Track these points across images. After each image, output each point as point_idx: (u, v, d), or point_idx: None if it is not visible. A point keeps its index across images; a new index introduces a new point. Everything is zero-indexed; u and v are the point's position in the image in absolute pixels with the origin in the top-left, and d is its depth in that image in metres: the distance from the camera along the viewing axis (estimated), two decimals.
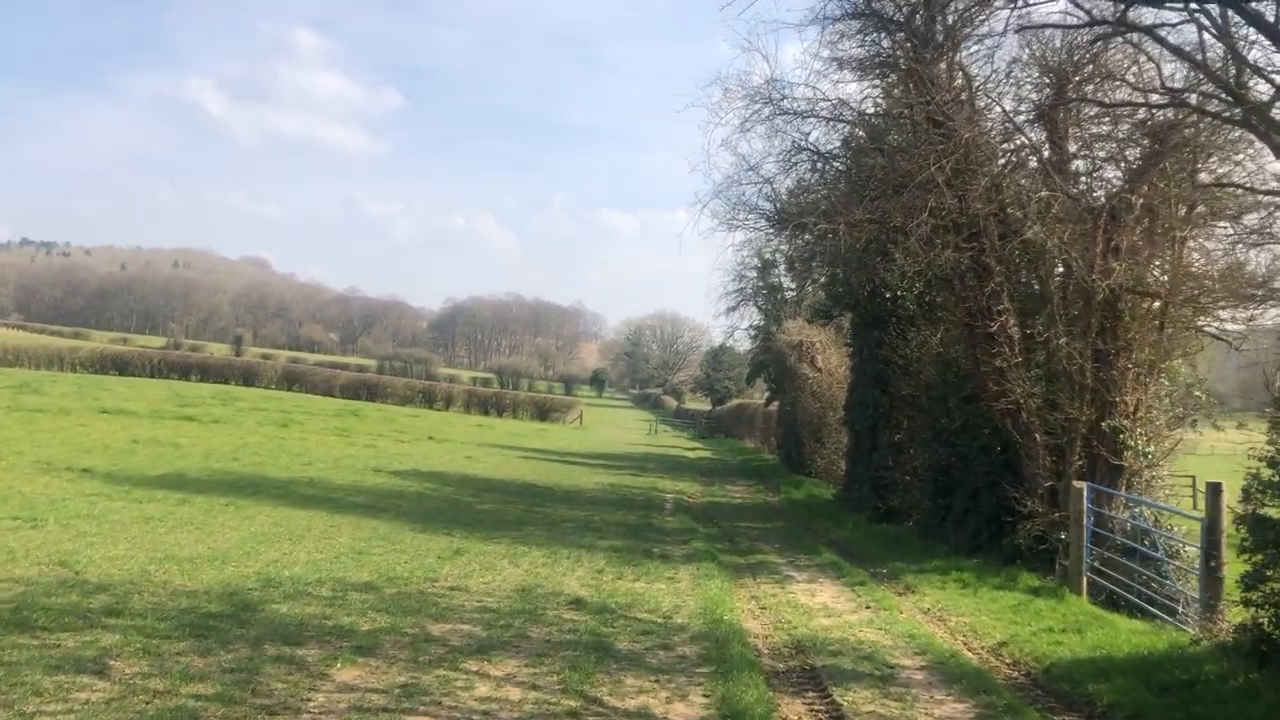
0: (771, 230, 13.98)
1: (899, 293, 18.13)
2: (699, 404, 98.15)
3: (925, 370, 16.88)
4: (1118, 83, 13.02)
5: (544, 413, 58.10)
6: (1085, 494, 11.58)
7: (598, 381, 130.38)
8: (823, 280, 19.60)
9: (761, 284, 33.77)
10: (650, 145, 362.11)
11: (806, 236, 16.05)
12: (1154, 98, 11.72)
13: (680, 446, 45.59)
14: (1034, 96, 13.80)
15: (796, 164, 13.31)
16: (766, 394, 44.47)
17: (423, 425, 37.06)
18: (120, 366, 55.24)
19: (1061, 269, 12.60)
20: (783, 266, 33.37)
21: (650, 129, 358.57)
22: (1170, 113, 12.04)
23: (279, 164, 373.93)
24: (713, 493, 23.67)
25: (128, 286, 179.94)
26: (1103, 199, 12.58)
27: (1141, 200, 12.00)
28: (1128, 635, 8.28)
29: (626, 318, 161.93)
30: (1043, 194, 11.92)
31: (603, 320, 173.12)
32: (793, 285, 32.88)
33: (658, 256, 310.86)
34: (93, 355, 56.38)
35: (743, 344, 36.76)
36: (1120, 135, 13.51)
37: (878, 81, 14.50)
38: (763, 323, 34.22)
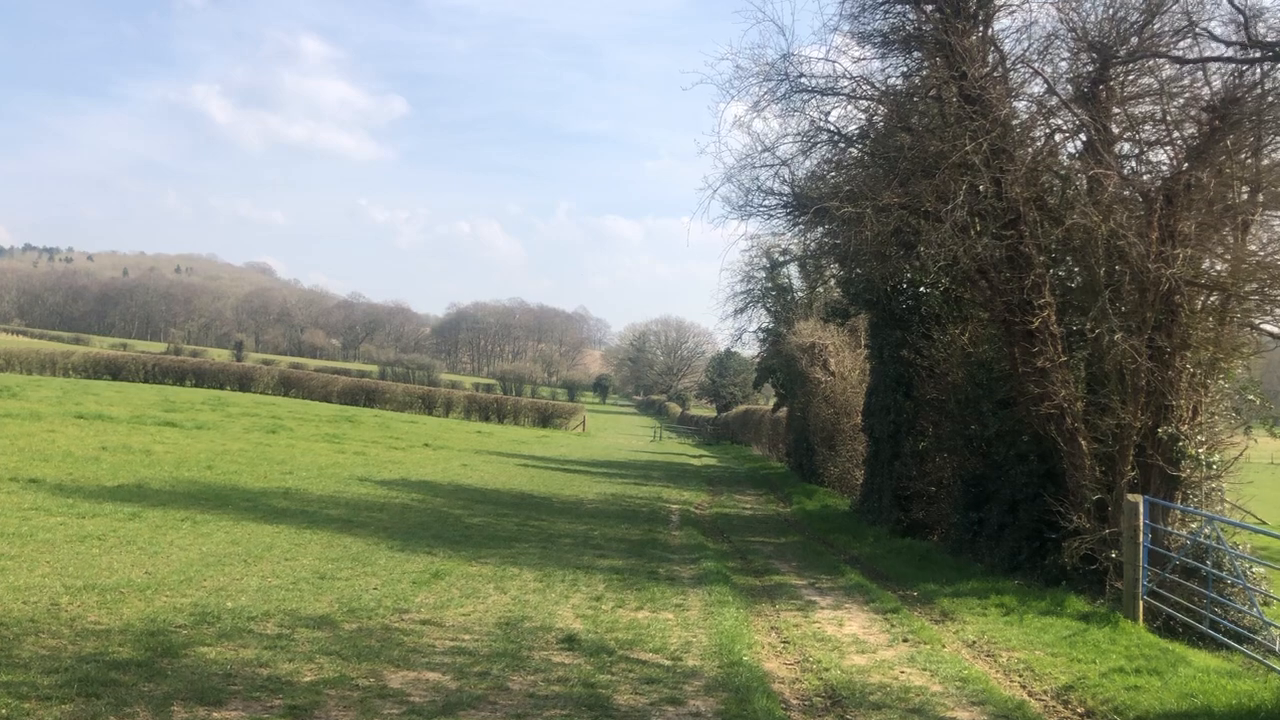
0: (789, 216, 12.74)
1: (923, 289, 16.92)
2: (704, 410, 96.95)
3: (952, 372, 15.65)
4: (1164, 60, 11.87)
5: (546, 419, 56.86)
6: (1142, 508, 10.36)
7: (601, 388, 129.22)
8: (839, 277, 18.36)
9: (770, 285, 32.53)
10: (655, 152, 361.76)
11: (824, 227, 14.83)
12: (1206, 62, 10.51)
13: (685, 453, 44.30)
14: (1074, 73, 12.61)
15: (816, 144, 12.10)
16: (774, 400, 43.24)
17: (419, 432, 35.86)
18: (114, 371, 54.18)
19: (1112, 258, 11.37)
20: (793, 267, 32.11)
21: (655, 136, 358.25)
22: (1233, 84, 10.86)
23: (284, 171, 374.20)
24: (721, 503, 22.42)
25: (129, 292, 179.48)
26: (1158, 181, 11.37)
27: (1201, 181, 10.78)
28: (1218, 680, 7.02)
29: (631, 323, 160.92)
30: (1092, 173, 10.70)
31: (606, 326, 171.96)
32: (803, 286, 31.64)
33: (662, 263, 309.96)
34: (86, 360, 55.29)
35: (750, 347, 35.56)
36: (1171, 114, 12.26)
37: (903, 58, 13.29)
38: (772, 325, 32.97)
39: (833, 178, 12.00)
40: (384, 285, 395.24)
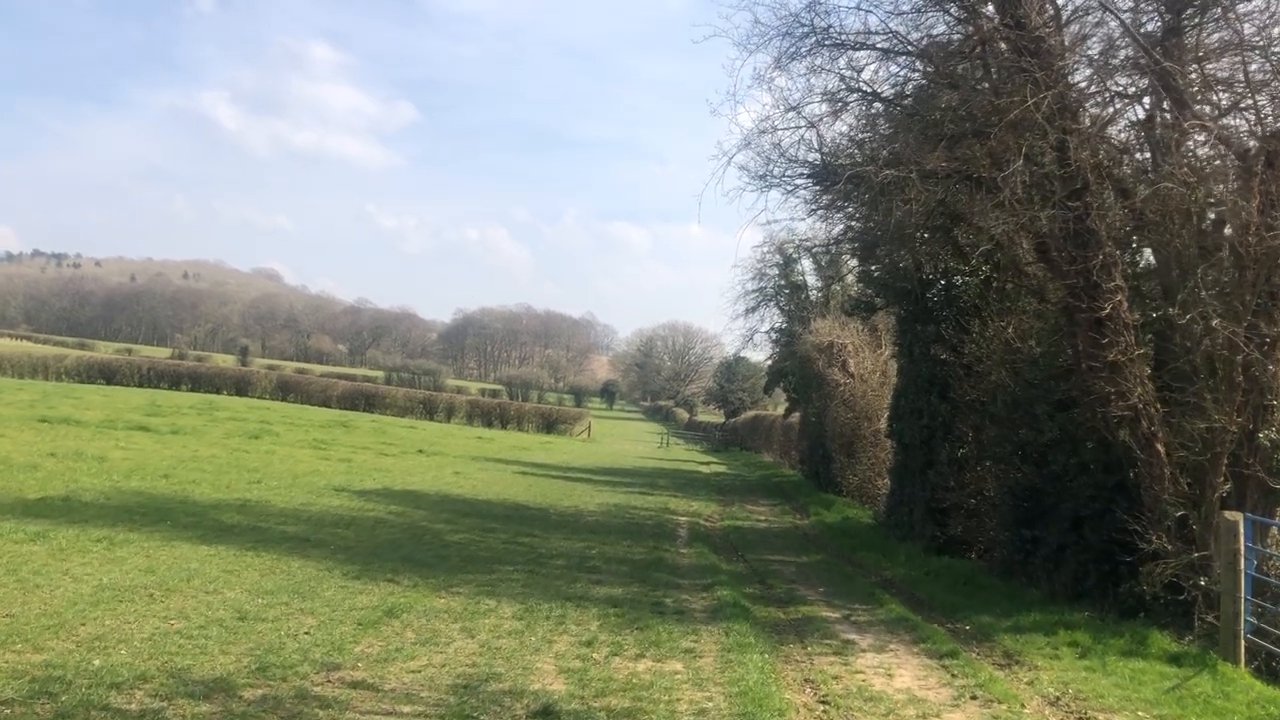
0: (817, 187, 11.04)
1: (959, 279, 15.20)
2: (712, 416, 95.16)
3: (995, 370, 13.91)
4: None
5: (550, 424, 55.20)
6: (1243, 527, 8.65)
7: (608, 393, 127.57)
8: (863, 269, 16.65)
9: (784, 282, 30.78)
10: (663, 158, 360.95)
11: (853, 206, 13.15)
12: None
13: (693, 460, 42.59)
14: (1142, 23, 10.92)
15: (847, 106, 10.41)
16: (786, 404, 41.51)
17: (416, 437, 34.25)
18: (108, 375, 52.80)
19: (1204, 231, 9.66)
20: (808, 264, 30.43)
21: (662, 142, 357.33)
22: None
23: (292, 177, 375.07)
24: (733, 514, 20.70)
25: (136, 298, 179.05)
26: (1252, 141, 9.66)
27: None
28: None
29: (638, 329, 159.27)
30: (1187, 124, 9.00)
31: (613, 332, 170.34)
32: (819, 284, 29.92)
33: (670, 269, 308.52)
34: (79, 364, 53.92)
35: (762, 349, 33.75)
36: (1256, 74, 10.51)
37: (945, 10, 11.61)
38: (785, 325, 31.22)
39: (868, 141, 10.30)
40: (391, 291, 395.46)
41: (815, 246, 15.12)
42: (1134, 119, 12.04)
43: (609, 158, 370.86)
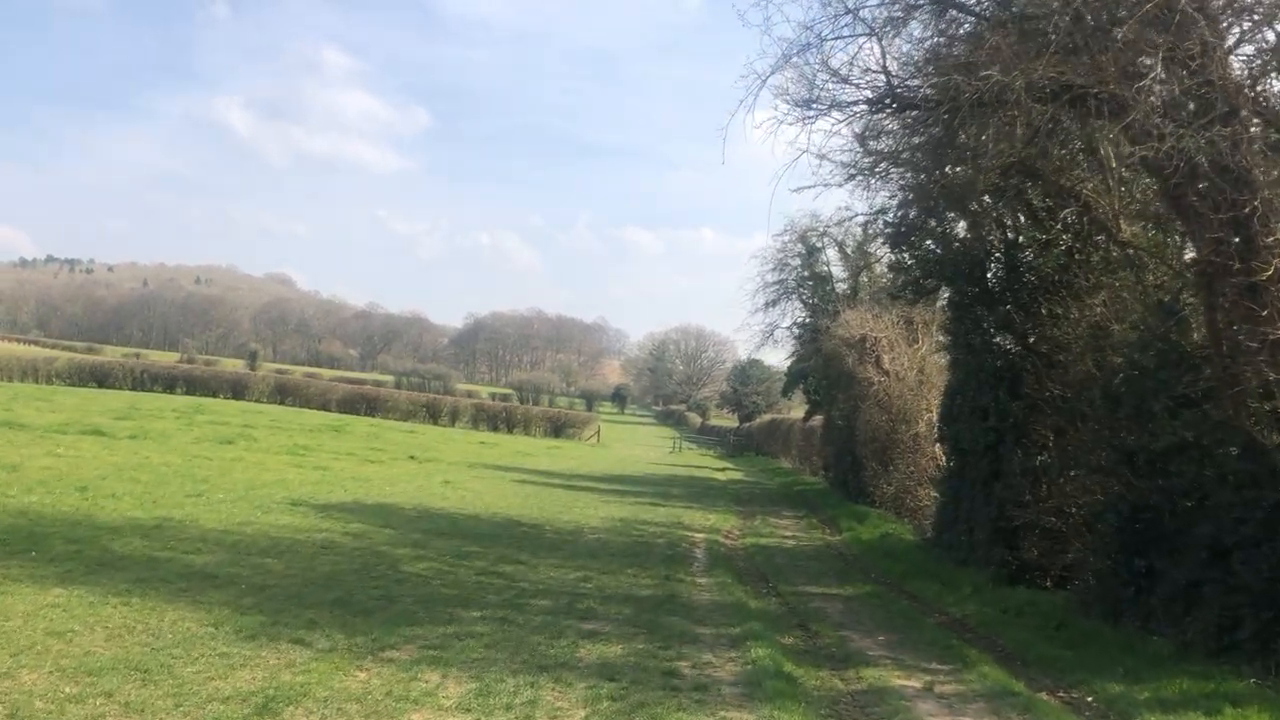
0: (880, 113, 8.55)
1: (1028, 253, 12.69)
2: (725, 420, 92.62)
3: (1082, 359, 11.41)
4: None
5: (558, 429, 52.79)
6: None
7: (619, 397, 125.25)
8: (912, 245, 14.16)
9: (807, 274, 28.25)
10: (675, 164, 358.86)
11: (906, 158, 10.68)
12: None
13: (707, 466, 40.08)
14: None
15: (917, 8, 7.94)
16: (806, 407, 38.98)
17: (412, 442, 31.92)
18: (100, 378, 50.84)
19: None
20: (833, 253, 27.91)
21: (675, 147, 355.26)
22: None
23: (307, 183, 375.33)
24: (755, 530, 18.21)
25: (147, 303, 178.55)
26: None
27: None
28: None
29: (650, 332, 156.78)
30: None
31: (625, 336, 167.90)
32: (846, 276, 27.41)
33: (682, 273, 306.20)
34: (70, 366, 51.98)
35: (784, 345, 31.11)
36: None
37: None
38: (809, 319, 28.67)
39: (944, 50, 7.83)
40: (404, 297, 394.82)
41: (854, 216, 12.61)
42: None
43: (621, 162, 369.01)
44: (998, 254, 13.42)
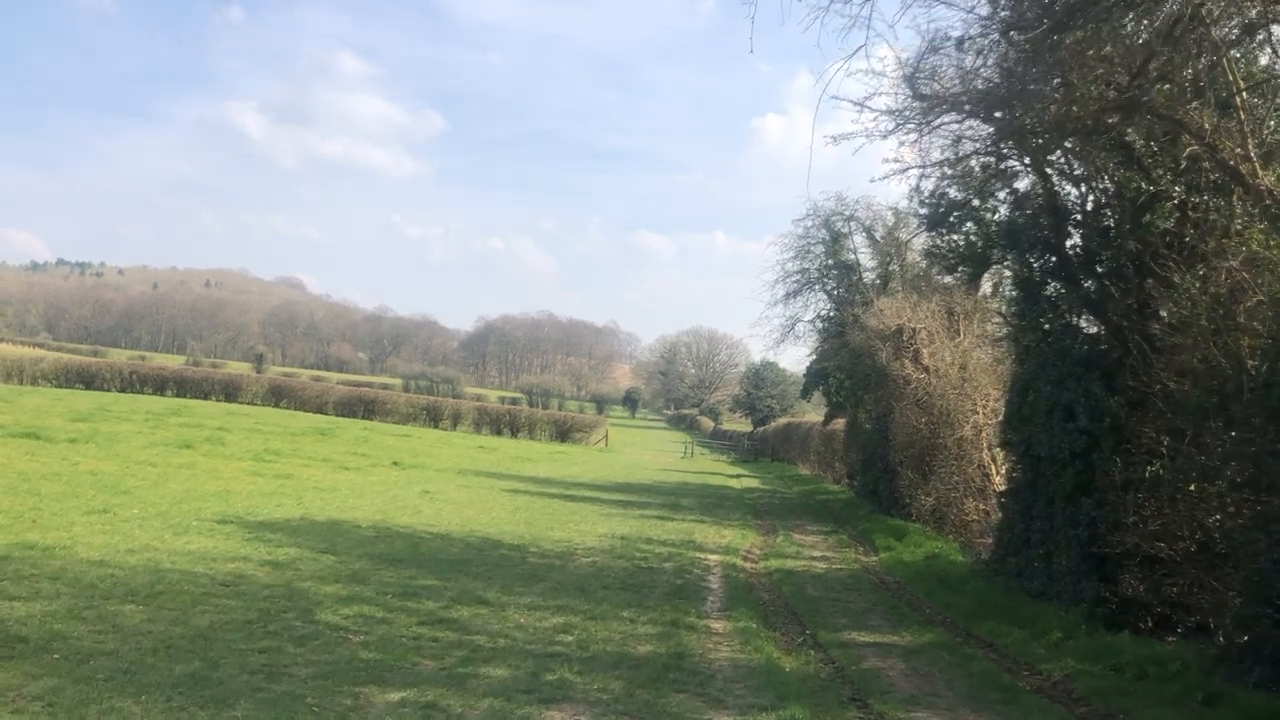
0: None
1: (1131, 203, 10.17)
2: (738, 424, 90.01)
3: (1202, 344, 8.88)
4: None
5: (564, 433, 50.34)
6: None
7: (630, 401, 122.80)
8: (976, 209, 11.66)
9: (831, 262, 25.71)
10: (688, 168, 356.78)
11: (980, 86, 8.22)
12: None
13: (721, 472, 37.58)
14: None
15: None
16: (826, 410, 36.38)
17: (401, 446, 29.58)
18: (87, 380, 48.79)
19: None
20: (860, 239, 25.34)
21: (687, 151, 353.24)
22: None
23: (319, 186, 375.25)
24: (778, 548, 15.72)
25: (155, 306, 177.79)
26: None
27: None
28: None
29: (661, 335, 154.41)
30: None
31: (637, 340, 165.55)
32: (875, 264, 24.83)
33: (694, 277, 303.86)
34: (56, 367, 49.90)
35: (806, 340, 28.45)
36: None
37: None
38: (833, 311, 26.14)
39: None
40: (416, 301, 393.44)
41: (906, 170, 10.16)
42: None
43: (634, 165, 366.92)
44: (1078, 215, 10.94)
